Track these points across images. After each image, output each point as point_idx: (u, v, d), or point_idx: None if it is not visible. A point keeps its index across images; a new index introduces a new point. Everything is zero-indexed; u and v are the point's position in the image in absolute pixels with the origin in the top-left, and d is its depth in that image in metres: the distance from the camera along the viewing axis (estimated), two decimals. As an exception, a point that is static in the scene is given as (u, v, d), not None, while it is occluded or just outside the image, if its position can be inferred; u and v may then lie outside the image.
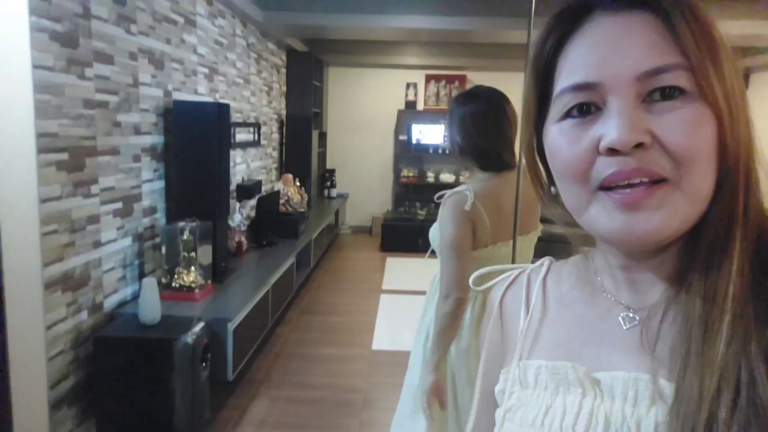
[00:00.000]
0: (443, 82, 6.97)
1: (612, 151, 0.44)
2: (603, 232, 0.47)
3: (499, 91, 1.64)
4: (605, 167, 0.45)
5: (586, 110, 0.47)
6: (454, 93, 6.93)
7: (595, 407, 0.48)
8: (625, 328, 0.51)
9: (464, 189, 1.55)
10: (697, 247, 0.46)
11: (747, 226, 0.45)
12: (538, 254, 1.75)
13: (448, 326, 1.52)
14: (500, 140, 1.59)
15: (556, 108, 0.49)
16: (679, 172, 0.44)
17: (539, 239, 1.73)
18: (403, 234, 6.33)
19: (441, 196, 1.59)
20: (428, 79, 6.98)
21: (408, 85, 7.02)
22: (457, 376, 1.64)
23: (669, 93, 0.44)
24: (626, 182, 0.44)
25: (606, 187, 0.45)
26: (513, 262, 1.63)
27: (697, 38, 0.44)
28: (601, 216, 0.46)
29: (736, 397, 0.39)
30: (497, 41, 5.39)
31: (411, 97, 7.03)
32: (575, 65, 0.47)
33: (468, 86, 6.83)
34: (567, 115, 0.48)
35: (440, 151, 6.85)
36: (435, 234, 1.66)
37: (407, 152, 7.01)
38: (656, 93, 0.44)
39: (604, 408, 0.48)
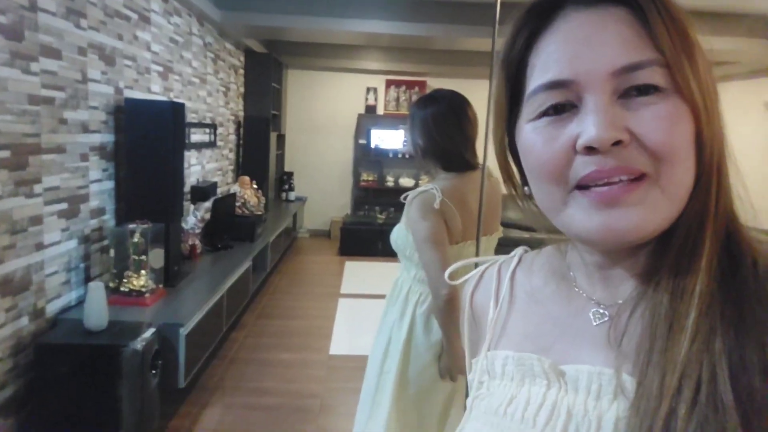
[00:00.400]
0: (403, 88, 7.01)
1: (590, 150, 0.43)
2: (580, 232, 0.46)
3: (459, 93, 1.66)
4: (583, 166, 0.44)
5: (561, 108, 0.46)
6: (414, 98, 6.98)
7: (559, 399, 0.48)
8: (594, 324, 0.51)
9: (430, 188, 1.55)
10: (668, 244, 0.46)
11: (717, 223, 0.45)
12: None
13: (448, 321, 1.50)
14: (462, 141, 1.61)
15: (530, 107, 0.48)
16: (659, 168, 0.43)
17: (499, 243, 1.76)
18: (363, 238, 6.31)
19: (407, 196, 1.59)
20: (388, 84, 7.01)
21: (368, 90, 7.03)
22: (412, 364, 1.63)
23: (645, 89, 0.43)
24: (605, 182, 0.43)
25: (583, 186, 0.44)
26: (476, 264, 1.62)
27: (672, 34, 0.43)
28: (578, 215, 0.45)
29: (696, 394, 0.39)
30: (458, 48, 5.46)
31: (371, 102, 7.04)
32: (548, 62, 0.46)
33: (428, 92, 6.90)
34: (542, 114, 0.47)
35: (400, 155, 6.88)
36: (399, 236, 1.66)
37: (367, 156, 7.00)
38: (632, 89, 0.43)
39: (567, 400, 0.48)
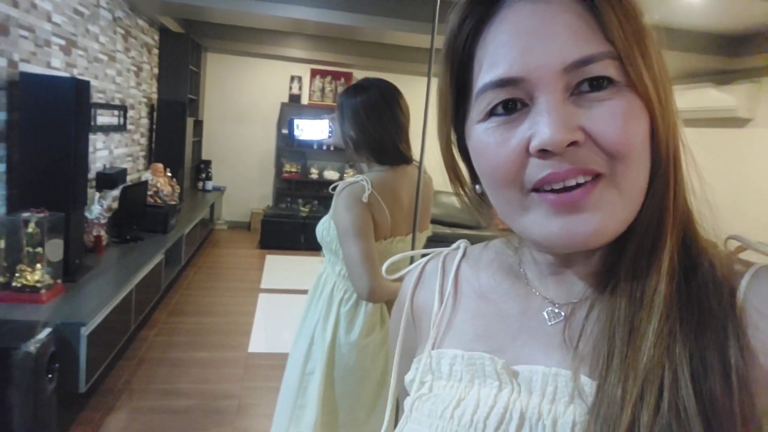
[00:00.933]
0: (329, 78, 6.88)
1: (544, 152, 0.41)
2: (540, 238, 0.44)
3: (389, 82, 1.59)
4: (538, 170, 0.42)
5: (512, 107, 0.43)
6: (341, 89, 6.88)
7: (511, 401, 0.46)
8: (549, 323, 0.49)
9: (360, 179, 1.48)
10: (626, 243, 0.44)
11: (676, 220, 0.44)
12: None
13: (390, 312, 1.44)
14: (396, 131, 1.54)
15: (479, 105, 0.45)
16: (614, 167, 0.41)
17: (429, 239, 1.72)
18: (285, 231, 6.14)
19: (335, 187, 1.50)
20: (314, 73, 6.86)
21: (292, 78, 6.84)
22: (337, 365, 1.57)
23: (597, 84, 0.41)
24: (562, 185, 0.41)
25: (539, 189, 0.43)
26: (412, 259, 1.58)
27: (624, 24, 0.41)
28: (537, 221, 0.43)
29: (658, 401, 0.38)
30: (387, 41, 5.42)
31: (295, 91, 6.86)
32: (496, 57, 0.43)
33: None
34: (491, 113, 0.44)
35: (324, 147, 6.75)
36: (324, 229, 1.58)
37: (290, 147, 6.82)
38: (584, 84, 0.41)
39: (520, 403, 0.46)
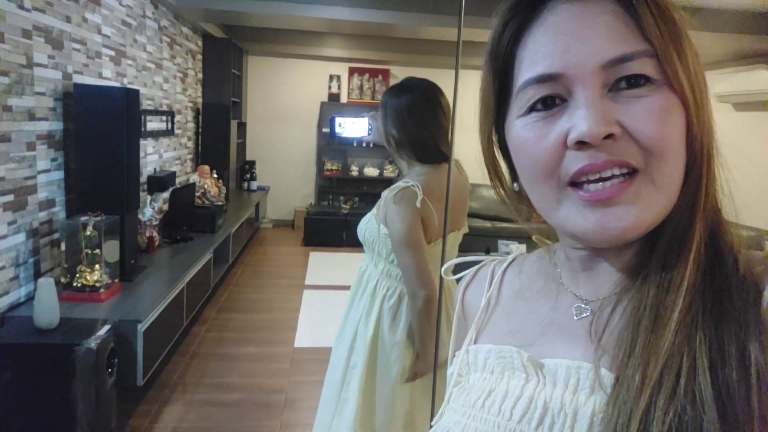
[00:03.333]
0: (367, 76, 6.93)
1: (581, 144, 0.42)
2: (576, 231, 0.45)
3: (432, 82, 1.61)
4: (575, 162, 0.43)
5: (551, 103, 0.45)
6: (378, 87, 6.92)
7: (536, 392, 0.48)
8: (576, 319, 0.51)
9: (411, 184, 1.50)
10: (657, 238, 0.45)
11: (705, 217, 0.45)
12: (464, 248, 1.75)
13: (425, 323, 1.49)
14: (438, 131, 1.56)
15: (520, 102, 0.47)
16: (650, 162, 0.42)
17: (467, 234, 1.74)
18: (327, 228, 6.25)
19: (387, 192, 1.53)
20: (352, 71, 6.92)
21: (331, 77, 6.92)
22: (380, 360, 1.60)
23: (635, 81, 0.42)
24: (598, 176, 0.42)
25: (576, 182, 0.44)
26: (442, 258, 1.60)
27: (660, 24, 0.42)
28: (572, 215, 0.45)
29: (675, 386, 0.39)
30: (421, 37, 5.42)
31: (334, 90, 6.94)
32: (537, 56, 0.45)
33: (392, 81, 6.85)
34: (531, 108, 0.46)
35: (364, 144, 6.82)
36: (368, 229, 1.62)
37: (330, 145, 6.92)
38: (622, 81, 0.42)
39: (544, 393, 0.48)
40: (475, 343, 0.58)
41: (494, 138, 0.54)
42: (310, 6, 4.32)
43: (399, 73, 6.84)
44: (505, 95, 0.50)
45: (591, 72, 0.42)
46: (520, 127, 0.47)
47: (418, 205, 1.47)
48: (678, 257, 0.44)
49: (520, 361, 0.51)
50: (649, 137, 0.42)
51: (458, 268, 0.70)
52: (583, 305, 0.51)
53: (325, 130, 6.87)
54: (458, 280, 0.68)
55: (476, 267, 0.66)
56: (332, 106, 6.91)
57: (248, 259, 5.49)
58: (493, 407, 0.50)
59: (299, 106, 6.98)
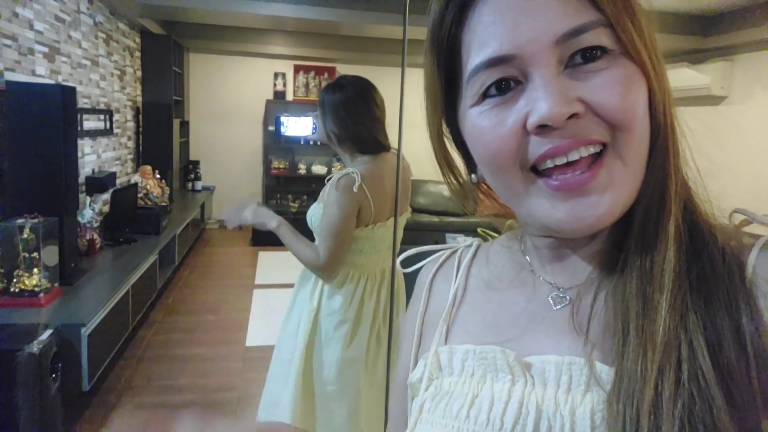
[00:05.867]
0: (312, 73, 6.92)
1: (543, 128, 0.40)
2: (547, 222, 0.42)
3: (365, 78, 1.73)
4: (538, 146, 0.41)
5: (506, 87, 0.42)
6: (324, 84, 6.91)
7: (526, 395, 0.44)
8: (555, 308, 0.48)
9: (351, 171, 1.63)
10: (630, 219, 0.43)
11: (678, 191, 0.43)
12: (412, 242, 1.84)
13: (298, 255, 1.69)
14: (374, 124, 1.68)
15: (471, 90, 0.43)
16: (618, 137, 0.40)
17: (410, 228, 1.85)
18: (275, 227, 6.19)
19: (330, 178, 1.65)
20: (297, 69, 6.89)
21: (276, 75, 6.87)
22: (325, 354, 1.70)
23: (591, 54, 0.40)
24: (566, 160, 0.40)
25: (541, 168, 0.41)
26: (394, 240, 1.76)
27: None
28: (542, 205, 0.42)
29: (678, 373, 0.37)
30: (367, 35, 5.46)
31: (280, 87, 6.89)
32: (484, 38, 0.42)
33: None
34: (484, 95, 0.43)
35: (311, 142, 6.80)
36: (314, 215, 1.73)
37: (277, 143, 6.86)
38: (577, 56, 0.40)
39: (535, 395, 0.44)
40: (446, 342, 0.53)
41: (445, 130, 0.50)
42: (251, 2, 4.28)
43: (345, 71, 6.86)
44: (454, 84, 0.46)
45: (544, 49, 0.39)
46: (475, 116, 0.44)
47: (355, 189, 1.59)
48: (656, 237, 0.42)
49: (505, 362, 0.46)
50: (613, 111, 0.39)
51: (407, 262, 0.66)
52: (560, 294, 0.48)
53: (271, 128, 6.81)
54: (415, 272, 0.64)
55: (446, 252, 0.61)
56: (278, 104, 6.86)
57: (195, 260, 5.38)
58: (480, 417, 0.45)
59: (244, 104, 6.88)
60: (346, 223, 1.61)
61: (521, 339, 0.48)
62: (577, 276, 0.48)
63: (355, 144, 1.69)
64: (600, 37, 0.40)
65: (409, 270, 0.64)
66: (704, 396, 0.36)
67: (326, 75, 6.93)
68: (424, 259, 0.63)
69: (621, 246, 0.44)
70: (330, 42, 6.04)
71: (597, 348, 0.43)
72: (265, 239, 6.12)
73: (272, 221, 1.78)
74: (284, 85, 6.90)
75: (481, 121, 0.43)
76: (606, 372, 0.41)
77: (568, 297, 0.48)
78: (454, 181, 0.53)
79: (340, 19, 4.48)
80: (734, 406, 0.36)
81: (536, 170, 0.42)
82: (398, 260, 0.65)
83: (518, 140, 0.41)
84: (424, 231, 5.61)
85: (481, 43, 0.42)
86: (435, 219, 5.96)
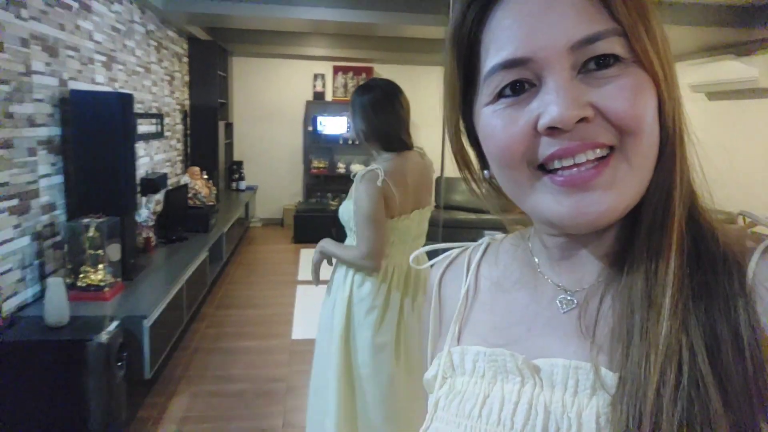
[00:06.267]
0: (351, 74, 7.04)
1: (553, 130, 0.41)
2: (550, 216, 0.44)
3: (392, 81, 1.88)
4: (547, 147, 0.42)
5: (520, 88, 0.43)
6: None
7: (535, 396, 0.46)
8: (562, 311, 0.49)
9: (375, 168, 1.76)
10: (636, 221, 0.45)
11: (683, 195, 0.44)
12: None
13: (349, 264, 1.85)
14: (398, 123, 1.82)
15: (487, 89, 0.45)
16: (625, 142, 0.42)
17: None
18: (316, 225, 6.34)
19: (356, 174, 1.80)
20: (336, 70, 7.03)
21: (316, 76, 7.02)
22: (358, 338, 1.85)
23: (604, 61, 0.41)
24: (572, 161, 0.42)
25: (549, 168, 0.43)
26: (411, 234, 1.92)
27: (627, 2, 0.41)
28: (546, 200, 0.44)
29: (678, 375, 0.39)
30: (403, 35, 5.54)
31: (319, 88, 7.04)
32: (502, 40, 0.43)
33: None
34: (499, 95, 0.44)
35: (350, 141, 6.93)
36: (345, 211, 1.87)
37: (317, 143, 7.02)
38: (591, 62, 0.42)
39: (543, 397, 0.46)
40: (458, 342, 0.54)
41: (461, 127, 0.52)
42: (292, 7, 4.41)
43: (382, 71, 6.96)
44: (471, 82, 0.48)
45: (559, 54, 0.41)
46: (489, 115, 0.45)
47: (379, 183, 1.72)
48: (661, 242, 0.43)
49: (514, 365, 0.48)
50: (623, 116, 0.41)
51: (429, 256, 0.67)
52: (567, 297, 0.50)
53: (311, 128, 6.97)
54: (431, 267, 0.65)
55: (456, 251, 0.62)
56: (317, 104, 7.01)
57: (241, 257, 5.58)
58: (492, 417, 0.47)
59: (285, 106, 7.07)
60: (378, 212, 1.73)
61: (529, 341, 0.49)
62: (586, 278, 0.49)
63: (380, 141, 1.84)
64: (614, 46, 0.41)
65: (421, 267, 0.72)
66: (702, 399, 0.37)
67: (364, 75, 7.03)
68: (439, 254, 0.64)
69: (628, 249, 0.46)
70: (368, 43, 6.14)
71: (603, 352, 0.44)
72: (306, 237, 6.28)
73: (317, 250, 1.94)
74: (323, 86, 7.05)
75: (495, 120, 0.45)
76: (611, 378, 0.43)
77: (575, 300, 0.49)
78: (470, 178, 0.55)
79: (378, 20, 4.57)
80: (730, 408, 0.37)
81: (543, 168, 0.44)
82: (411, 257, 0.68)
83: (528, 140, 0.43)
84: (461, 228, 5.66)
85: (499, 45, 0.43)
86: (472, 216, 5.99)
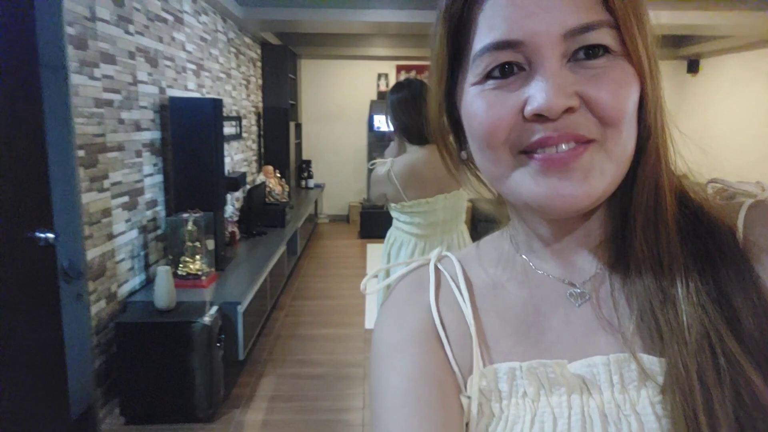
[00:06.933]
0: (414, 72, 7.17)
1: (539, 117, 0.41)
2: (527, 198, 0.44)
3: (421, 80, 2.10)
4: (531, 133, 0.42)
5: (509, 71, 0.43)
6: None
7: (584, 402, 0.44)
8: (577, 306, 0.48)
9: (387, 160, 2.09)
10: (628, 212, 0.46)
11: (670, 185, 0.45)
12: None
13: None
14: (419, 119, 2.04)
15: (476, 69, 0.44)
16: (605, 132, 0.42)
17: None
18: (381, 220, 6.50)
19: (374, 164, 2.16)
20: (399, 69, 7.18)
21: (379, 76, 7.20)
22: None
23: (594, 52, 0.42)
24: (555, 150, 0.42)
25: (528, 151, 0.44)
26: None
27: None
28: (525, 181, 0.44)
29: (714, 359, 0.40)
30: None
31: (383, 87, 7.21)
32: (495, 20, 0.42)
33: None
34: (488, 76, 0.44)
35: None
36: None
37: (380, 141, 7.19)
38: (580, 51, 0.42)
39: (593, 401, 0.44)
40: (483, 363, 0.48)
41: (444, 105, 0.51)
42: (358, 11, 4.60)
43: (445, 69, 7.04)
44: (459, 60, 0.47)
45: (553, 41, 0.41)
46: (475, 94, 0.45)
47: (381, 172, 2.07)
48: (656, 230, 0.44)
49: (556, 373, 0.45)
50: (607, 108, 0.41)
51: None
52: (577, 290, 0.49)
53: (377, 127, 7.16)
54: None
55: (424, 269, 0.56)
56: (381, 103, 7.18)
57: (312, 252, 5.84)
58: None
59: (350, 105, 7.29)
60: (375, 194, 2.17)
61: (557, 343, 0.47)
62: (585, 269, 0.49)
63: (405, 134, 2.07)
64: (605, 37, 0.41)
65: (370, 292, 0.57)
66: (742, 374, 0.38)
67: (427, 73, 7.13)
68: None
69: (616, 239, 0.47)
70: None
71: (635, 342, 0.44)
72: (372, 232, 6.48)
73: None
74: (387, 85, 7.21)
75: (480, 100, 0.44)
76: (655, 363, 0.42)
77: (586, 293, 0.48)
78: (447, 155, 0.55)
79: (443, 19, 4.68)
80: (764, 373, 0.38)
81: (524, 153, 0.44)
82: (362, 282, 0.58)
83: (513, 124, 0.43)
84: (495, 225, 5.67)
85: (492, 25, 0.43)
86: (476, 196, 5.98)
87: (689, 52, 6.14)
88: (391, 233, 2.27)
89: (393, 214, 2.21)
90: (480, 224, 6.08)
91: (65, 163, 2.17)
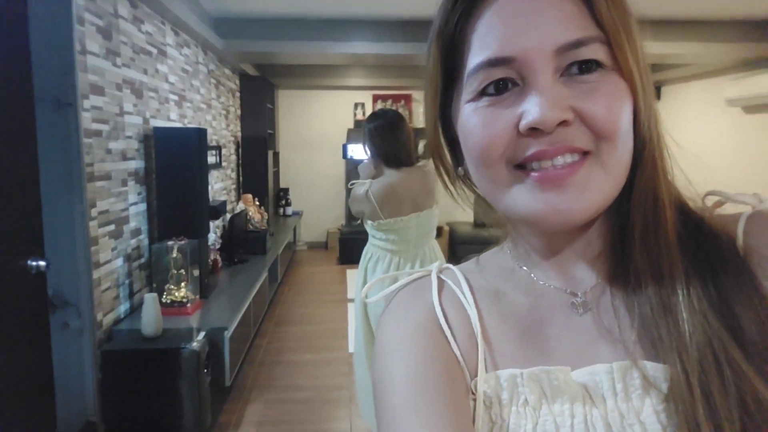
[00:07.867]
0: (390, 101, 7.35)
1: (534, 131, 0.42)
2: (525, 213, 0.45)
3: (396, 111, 2.33)
4: (526, 147, 0.43)
5: (503, 87, 0.44)
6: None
7: (587, 411, 0.44)
8: (579, 315, 0.49)
9: (366, 182, 2.28)
10: (627, 224, 0.46)
11: (669, 197, 0.46)
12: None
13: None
14: (395, 145, 2.26)
15: (470, 86, 0.45)
16: (601, 146, 0.43)
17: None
18: (359, 246, 6.54)
19: (353, 184, 2.35)
20: (375, 98, 7.35)
21: (356, 105, 7.36)
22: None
23: (586, 67, 0.43)
24: (551, 163, 0.43)
25: (527, 168, 0.44)
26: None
27: (612, 10, 0.43)
28: (521, 196, 0.44)
29: (718, 369, 0.39)
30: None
31: (359, 116, 7.37)
32: (488, 38, 0.44)
33: (414, 105, 7.27)
34: (482, 93, 0.45)
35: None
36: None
37: (356, 169, 7.30)
38: (574, 66, 0.43)
39: (596, 411, 0.44)
40: (486, 369, 0.48)
41: (439, 124, 0.52)
42: (335, 43, 4.75)
43: (420, 97, 7.25)
44: (452, 79, 0.48)
45: (545, 57, 0.42)
46: (470, 111, 0.45)
47: (360, 193, 2.26)
48: (657, 241, 0.44)
49: (558, 381, 0.45)
50: (601, 122, 0.42)
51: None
52: (579, 299, 0.49)
53: (352, 155, 7.28)
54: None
55: (426, 278, 0.56)
56: (358, 132, 7.33)
57: (292, 278, 5.86)
58: None
59: (327, 134, 7.42)
60: (354, 210, 2.39)
61: (559, 351, 0.48)
62: (586, 279, 0.50)
63: (382, 158, 2.27)
64: (597, 52, 0.42)
65: (373, 299, 0.60)
66: (746, 382, 0.38)
67: (403, 102, 7.34)
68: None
69: (616, 249, 0.48)
70: (406, 71, 6.46)
71: (637, 351, 0.44)
72: (350, 258, 6.54)
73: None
74: (363, 114, 7.37)
75: (476, 117, 0.45)
76: (659, 370, 0.42)
77: (588, 302, 0.49)
78: (444, 172, 0.55)
79: (416, 51, 4.86)
80: (766, 377, 0.39)
81: (520, 168, 0.44)
82: (363, 290, 0.66)
83: (509, 139, 0.43)
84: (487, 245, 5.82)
85: (485, 43, 0.43)
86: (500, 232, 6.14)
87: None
88: (368, 249, 2.46)
89: (369, 231, 2.39)
90: (458, 247, 6.20)
91: (63, 191, 2.21)
